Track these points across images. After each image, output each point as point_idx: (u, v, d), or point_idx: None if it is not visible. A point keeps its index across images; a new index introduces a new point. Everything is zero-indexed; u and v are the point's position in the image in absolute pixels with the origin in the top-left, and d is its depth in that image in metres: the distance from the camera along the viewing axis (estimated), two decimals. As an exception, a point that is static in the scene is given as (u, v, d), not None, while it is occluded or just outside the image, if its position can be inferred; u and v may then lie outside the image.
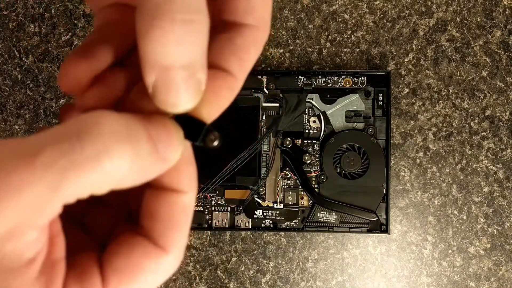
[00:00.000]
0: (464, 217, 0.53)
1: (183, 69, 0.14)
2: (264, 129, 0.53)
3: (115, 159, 0.13)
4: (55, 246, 0.14)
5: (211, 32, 0.16)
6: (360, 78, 0.52)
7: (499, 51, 0.53)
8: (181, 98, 0.14)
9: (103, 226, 0.17)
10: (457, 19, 0.54)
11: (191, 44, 0.13)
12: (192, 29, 0.13)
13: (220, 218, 0.52)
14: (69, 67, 0.16)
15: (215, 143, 0.15)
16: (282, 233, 0.53)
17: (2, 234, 0.12)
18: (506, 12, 0.54)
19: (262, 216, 0.52)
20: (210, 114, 0.16)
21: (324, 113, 0.53)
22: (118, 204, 0.18)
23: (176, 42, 0.13)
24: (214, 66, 0.16)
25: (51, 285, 0.14)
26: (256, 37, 0.16)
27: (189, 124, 0.15)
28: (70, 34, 0.56)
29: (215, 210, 0.53)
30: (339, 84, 0.52)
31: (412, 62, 0.54)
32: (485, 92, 0.53)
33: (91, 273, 0.15)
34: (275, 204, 0.52)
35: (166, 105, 0.14)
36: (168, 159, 0.14)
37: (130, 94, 0.16)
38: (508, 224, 0.52)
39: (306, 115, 0.53)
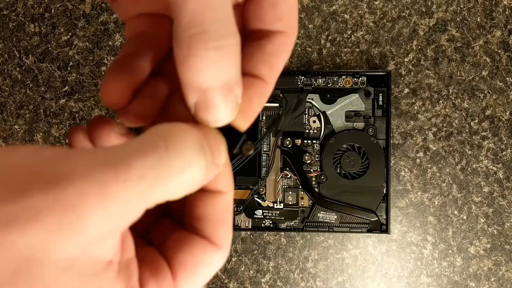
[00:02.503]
0: (464, 217, 0.53)
1: (221, 88, 0.15)
2: (264, 129, 0.53)
3: (193, 170, 0.14)
4: (127, 247, 0.15)
5: (242, 41, 0.17)
6: (360, 78, 0.52)
7: (499, 51, 0.53)
8: (221, 115, 0.16)
9: (140, 221, 0.18)
10: (457, 19, 0.54)
11: (225, 65, 0.15)
12: (225, 53, 0.14)
13: (220, 218, 0.52)
14: (109, 84, 0.17)
15: (250, 152, 0.17)
16: (282, 233, 0.53)
17: (91, 240, 0.13)
18: (506, 12, 0.54)
19: (262, 216, 0.52)
20: (245, 122, 0.17)
21: (324, 113, 0.53)
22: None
23: (211, 66, 0.14)
24: (246, 73, 0.17)
25: (130, 283, 0.15)
26: (285, 42, 0.17)
27: (228, 134, 0.17)
28: (70, 34, 0.56)
29: (215, 210, 0.53)
30: (339, 84, 0.52)
31: (412, 62, 0.54)
32: (485, 92, 0.53)
33: (162, 268, 0.16)
34: (275, 204, 0.52)
35: (208, 122, 0.16)
36: (219, 165, 0.16)
37: (170, 105, 0.18)
38: (508, 224, 0.52)
39: (306, 115, 0.53)
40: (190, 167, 0.14)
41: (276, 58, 0.17)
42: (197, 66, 0.14)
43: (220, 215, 0.17)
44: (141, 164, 0.13)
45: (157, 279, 0.16)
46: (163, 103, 0.18)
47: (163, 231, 0.18)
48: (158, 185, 0.13)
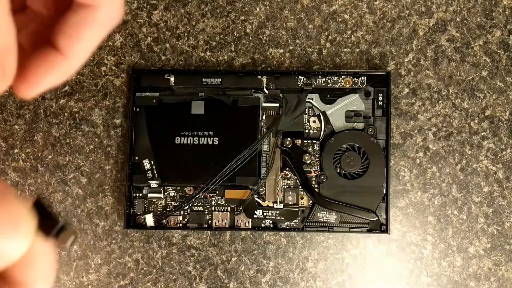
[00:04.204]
0: (464, 217, 0.53)
1: None
2: (264, 129, 0.53)
3: None
4: None
5: (61, 14, 0.16)
6: (360, 78, 0.52)
7: (499, 51, 0.53)
8: None
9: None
10: (457, 19, 0.54)
11: None
12: None
13: (220, 218, 0.52)
14: None
15: (68, 243, 0.14)
16: (282, 233, 0.53)
17: None
18: (506, 12, 0.54)
19: (262, 216, 0.52)
20: (27, 91, 0.15)
21: (324, 113, 0.53)
22: None
23: None
24: (46, 43, 0.16)
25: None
26: (91, 17, 0.16)
27: (43, 214, 0.13)
28: (70, 34, 0.56)
29: (215, 210, 0.53)
30: (339, 84, 0.52)
31: (412, 62, 0.54)
32: (485, 92, 0.53)
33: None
34: (275, 204, 0.52)
35: None
36: (6, 256, 0.12)
37: None
38: (508, 224, 0.52)
39: (306, 115, 0.53)
40: None
41: (75, 31, 0.16)
42: None
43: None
44: None
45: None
46: None
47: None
48: None
